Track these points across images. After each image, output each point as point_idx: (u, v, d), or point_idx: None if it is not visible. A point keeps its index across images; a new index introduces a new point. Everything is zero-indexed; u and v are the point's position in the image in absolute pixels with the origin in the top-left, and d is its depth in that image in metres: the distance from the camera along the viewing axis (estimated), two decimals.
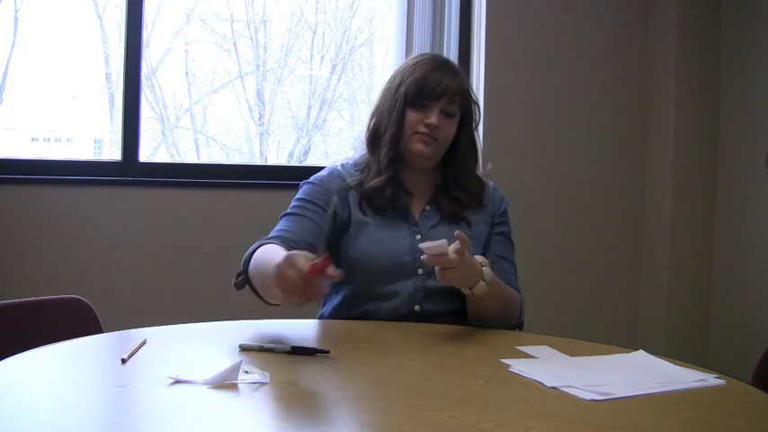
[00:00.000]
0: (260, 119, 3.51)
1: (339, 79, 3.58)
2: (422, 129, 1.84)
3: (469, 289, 1.69)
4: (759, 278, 3.14)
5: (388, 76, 1.96)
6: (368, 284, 1.81)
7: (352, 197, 1.88)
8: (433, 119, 1.83)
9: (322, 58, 3.57)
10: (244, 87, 3.48)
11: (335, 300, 1.89)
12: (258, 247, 1.75)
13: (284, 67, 3.53)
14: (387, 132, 1.87)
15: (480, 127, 3.25)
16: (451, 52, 3.24)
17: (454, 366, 1.48)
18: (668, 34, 3.33)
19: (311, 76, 3.59)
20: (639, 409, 1.24)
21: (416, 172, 1.91)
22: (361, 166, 1.93)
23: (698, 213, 3.34)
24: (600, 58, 3.38)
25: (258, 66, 3.50)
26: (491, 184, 2.00)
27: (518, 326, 1.88)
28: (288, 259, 1.44)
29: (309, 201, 1.87)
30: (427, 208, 1.91)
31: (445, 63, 1.91)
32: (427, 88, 1.83)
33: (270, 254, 1.64)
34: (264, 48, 3.49)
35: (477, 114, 1.96)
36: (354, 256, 1.84)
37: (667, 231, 3.33)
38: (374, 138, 1.91)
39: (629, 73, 3.41)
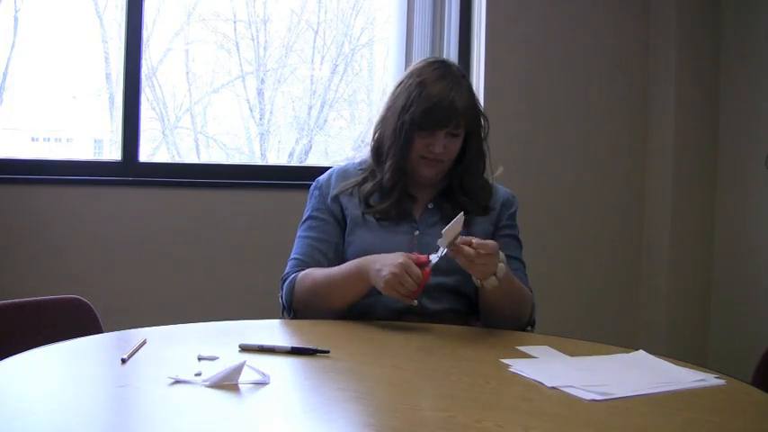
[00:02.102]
0: (260, 119, 3.51)
1: (340, 79, 3.58)
2: (427, 154, 1.85)
3: (480, 281, 1.70)
4: (759, 278, 3.13)
5: (394, 84, 1.94)
6: None
7: (347, 197, 1.91)
8: (437, 147, 1.83)
9: (323, 57, 3.57)
10: (244, 87, 3.48)
11: None
12: (293, 280, 1.85)
13: (285, 67, 3.53)
14: (390, 154, 1.88)
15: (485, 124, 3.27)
16: (451, 52, 3.24)
17: (454, 366, 1.48)
18: (668, 34, 3.33)
19: (312, 75, 3.59)
20: (639, 409, 1.24)
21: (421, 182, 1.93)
22: (366, 167, 1.95)
23: (698, 213, 3.34)
24: (600, 59, 3.38)
25: (259, 66, 3.50)
26: (501, 188, 2.00)
27: (530, 323, 1.88)
28: (404, 265, 1.64)
29: (316, 217, 1.93)
30: (429, 206, 1.92)
31: (451, 79, 1.87)
32: (433, 116, 1.82)
33: (327, 274, 1.81)
34: (265, 47, 3.49)
35: (486, 125, 1.95)
36: (353, 250, 1.87)
37: (667, 231, 3.33)
38: (378, 151, 1.93)
39: (629, 73, 3.41)
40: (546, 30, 3.31)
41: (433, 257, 1.67)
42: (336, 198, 1.92)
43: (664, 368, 1.47)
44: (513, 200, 1.99)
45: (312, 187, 1.98)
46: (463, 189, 1.92)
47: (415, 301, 1.72)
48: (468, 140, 1.90)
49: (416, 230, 1.88)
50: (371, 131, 1.97)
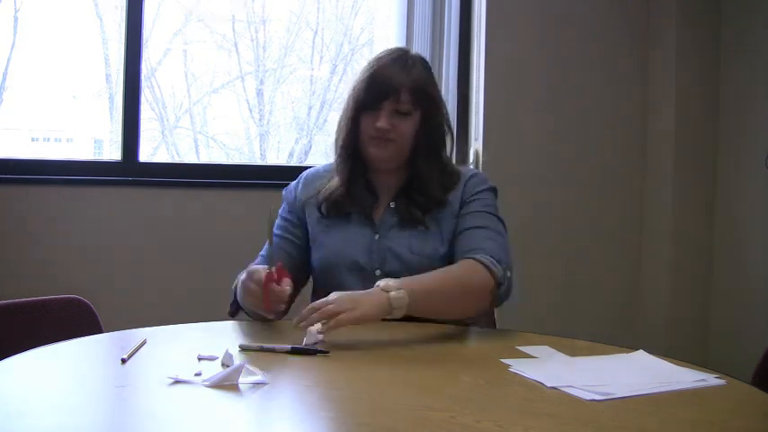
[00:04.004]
0: (260, 119, 3.51)
1: (340, 79, 3.58)
2: (373, 132, 1.82)
3: (383, 318, 1.60)
4: (759, 278, 3.13)
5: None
6: (330, 287, 1.72)
7: (312, 203, 1.91)
8: (380, 122, 1.80)
9: (322, 58, 3.57)
10: (244, 87, 3.48)
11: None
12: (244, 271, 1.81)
13: (284, 68, 3.53)
14: (339, 141, 1.88)
15: (480, 127, 3.27)
16: (451, 52, 3.24)
17: (454, 366, 1.48)
18: (668, 34, 3.33)
19: (311, 76, 3.59)
20: (639, 409, 1.24)
21: (381, 172, 1.90)
22: (332, 169, 1.94)
23: (698, 213, 3.34)
24: (600, 58, 3.37)
25: (258, 66, 3.50)
26: (470, 173, 1.93)
27: (499, 284, 1.71)
28: (248, 273, 1.60)
29: (284, 218, 1.95)
30: (392, 205, 1.88)
31: (401, 60, 1.84)
32: (374, 89, 1.80)
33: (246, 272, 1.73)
34: (264, 48, 3.49)
35: (443, 108, 1.89)
36: (316, 258, 1.88)
37: (667, 231, 3.33)
38: (336, 144, 1.93)
39: (629, 73, 3.41)
40: (546, 29, 3.31)
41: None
42: (302, 206, 1.93)
43: (664, 368, 1.47)
44: (479, 182, 1.88)
45: (284, 191, 2.00)
46: (420, 182, 1.85)
47: (271, 314, 1.61)
48: (421, 124, 1.84)
49: (376, 234, 1.85)
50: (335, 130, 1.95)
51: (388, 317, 1.59)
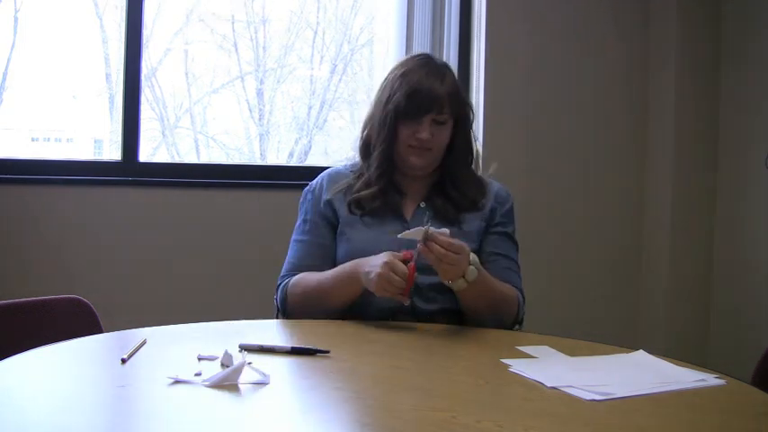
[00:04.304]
0: (260, 119, 3.51)
1: (340, 79, 3.58)
2: (414, 142, 1.85)
3: (450, 282, 1.70)
4: (759, 278, 3.13)
5: (380, 83, 1.96)
6: None
7: (339, 199, 1.92)
8: (424, 134, 1.84)
9: (322, 57, 3.57)
10: (244, 87, 3.48)
11: None
12: (285, 285, 1.87)
13: (284, 67, 3.53)
14: (377, 147, 1.89)
15: (480, 127, 3.28)
16: (451, 52, 3.24)
17: (454, 366, 1.48)
18: (668, 34, 3.33)
19: (311, 76, 3.59)
20: (639, 409, 1.24)
21: (411, 176, 1.93)
22: (357, 169, 1.96)
23: (698, 213, 3.34)
24: (600, 58, 3.38)
25: (258, 66, 3.50)
26: (495, 184, 2.00)
27: (517, 322, 1.88)
28: (389, 264, 1.65)
29: (310, 221, 1.94)
30: (422, 205, 1.92)
31: (433, 68, 1.89)
32: (416, 102, 1.83)
33: (318, 280, 1.83)
34: (264, 48, 3.49)
35: (472, 114, 1.96)
36: (344, 251, 1.88)
37: (667, 231, 3.33)
38: (366, 148, 1.94)
39: (629, 73, 3.41)
40: (546, 30, 3.31)
41: (415, 253, 1.67)
42: (329, 202, 1.93)
43: (664, 368, 1.47)
44: (507, 197, 1.98)
45: (305, 191, 2.00)
46: (454, 183, 1.92)
47: (408, 300, 1.71)
48: (455, 130, 1.90)
49: (407, 229, 1.87)
50: (360, 132, 1.97)
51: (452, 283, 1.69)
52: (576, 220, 3.37)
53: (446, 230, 1.68)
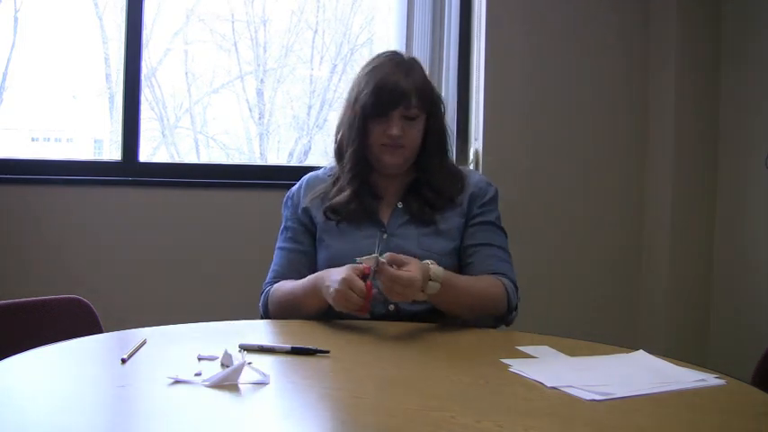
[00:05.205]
0: (260, 119, 3.51)
1: (340, 79, 3.58)
2: (386, 140, 1.84)
3: (422, 291, 1.67)
4: (759, 278, 3.13)
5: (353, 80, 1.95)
6: None
7: (316, 206, 1.92)
8: (394, 129, 1.83)
9: (322, 57, 3.57)
10: (244, 87, 3.48)
11: None
12: (267, 293, 1.89)
13: (284, 67, 3.54)
14: (348, 148, 1.89)
15: (480, 127, 3.27)
16: (451, 52, 3.24)
17: (454, 366, 1.48)
18: (668, 34, 3.32)
19: (311, 75, 3.59)
20: (639, 409, 1.24)
21: (386, 175, 1.92)
22: (335, 173, 1.96)
23: (698, 213, 3.34)
24: (600, 58, 3.37)
25: (258, 66, 3.50)
26: (475, 176, 1.99)
27: (511, 311, 1.84)
28: (346, 281, 1.62)
29: (290, 228, 1.95)
30: (399, 205, 1.91)
31: (399, 63, 1.88)
32: (383, 98, 1.82)
33: (290, 290, 1.84)
34: (264, 48, 3.49)
35: (443, 107, 1.94)
36: (323, 257, 1.89)
37: (667, 231, 3.33)
38: (340, 151, 1.94)
39: (629, 73, 3.41)
40: (546, 30, 3.31)
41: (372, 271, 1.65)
42: (306, 210, 1.93)
43: (664, 368, 1.47)
44: (487, 187, 1.95)
45: (285, 196, 2.00)
46: (429, 181, 1.90)
47: (367, 315, 1.70)
48: (427, 124, 1.88)
49: (385, 233, 1.87)
50: (334, 136, 1.97)
51: (422, 291, 1.66)
52: (576, 220, 3.37)
53: (374, 256, 1.65)
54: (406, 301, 1.71)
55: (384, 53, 1.95)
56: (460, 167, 2.01)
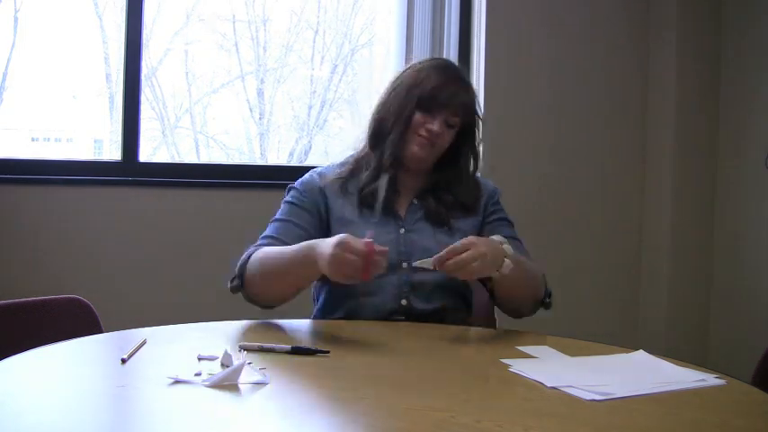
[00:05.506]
0: (260, 119, 3.51)
1: (340, 79, 3.58)
2: (423, 132, 1.86)
3: (497, 270, 1.67)
4: (759, 278, 3.13)
5: (399, 73, 1.97)
6: None
7: (331, 194, 1.90)
8: (435, 126, 1.85)
9: (322, 57, 3.57)
10: (244, 87, 3.48)
11: (320, 299, 1.90)
12: (252, 253, 1.79)
13: (285, 67, 3.54)
14: (393, 131, 1.89)
15: (480, 127, 3.26)
16: (451, 52, 3.24)
17: (454, 366, 1.48)
18: (668, 34, 3.33)
19: (312, 75, 3.59)
20: (639, 409, 1.24)
21: (406, 172, 1.93)
22: (350, 162, 1.95)
23: (698, 213, 3.34)
24: (600, 59, 3.38)
25: (258, 65, 3.50)
26: (485, 182, 2.03)
27: (548, 295, 1.89)
28: (342, 244, 1.52)
29: (295, 204, 1.91)
30: (415, 202, 1.92)
31: (460, 76, 1.94)
32: (441, 98, 1.86)
33: (278, 252, 1.74)
34: (265, 47, 3.49)
35: (479, 129, 1.99)
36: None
37: (667, 231, 3.33)
38: (377, 133, 1.93)
39: (629, 72, 3.41)
40: (546, 30, 3.31)
41: (422, 264, 1.64)
42: (323, 191, 1.91)
43: (664, 368, 1.47)
44: (495, 189, 2.02)
45: (289, 186, 1.96)
46: (451, 188, 1.93)
47: (371, 278, 1.57)
48: (462, 139, 1.93)
49: (402, 228, 1.88)
50: (370, 118, 1.96)
51: (499, 271, 1.66)
52: (576, 220, 3.37)
53: (431, 259, 1.63)
54: (497, 269, 1.66)
55: (444, 61, 2.03)
56: (477, 178, 2.04)
